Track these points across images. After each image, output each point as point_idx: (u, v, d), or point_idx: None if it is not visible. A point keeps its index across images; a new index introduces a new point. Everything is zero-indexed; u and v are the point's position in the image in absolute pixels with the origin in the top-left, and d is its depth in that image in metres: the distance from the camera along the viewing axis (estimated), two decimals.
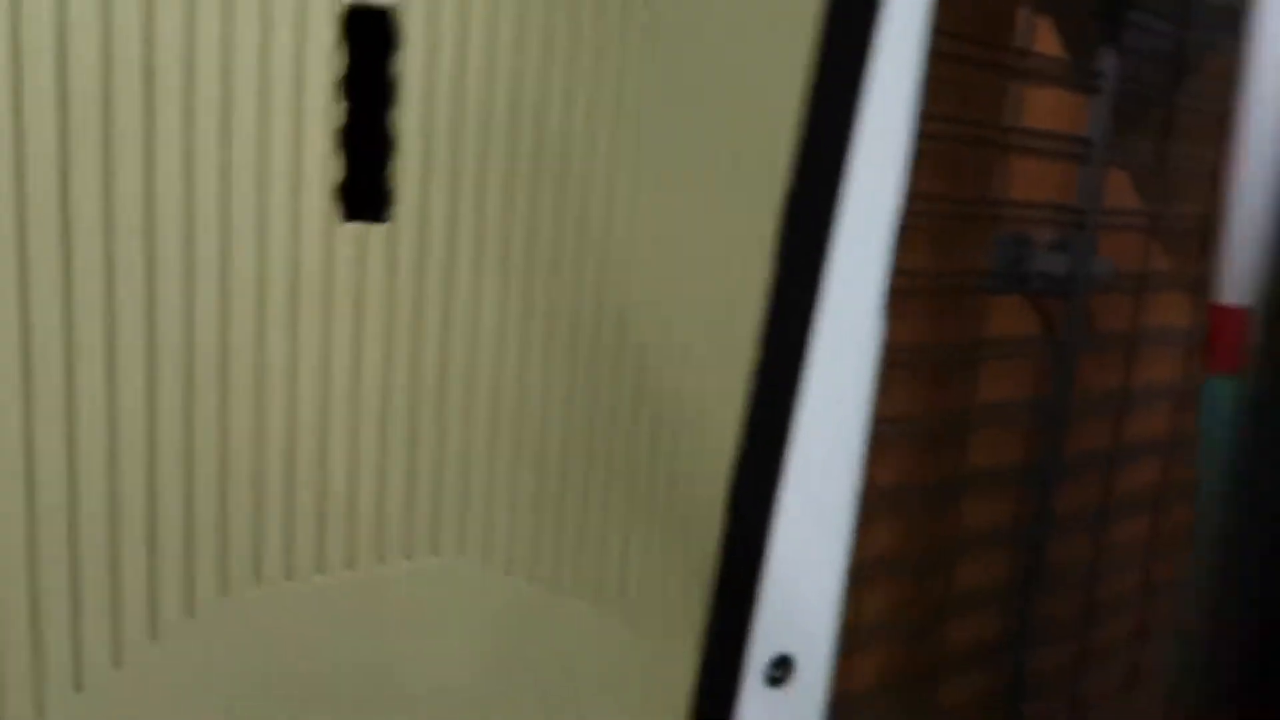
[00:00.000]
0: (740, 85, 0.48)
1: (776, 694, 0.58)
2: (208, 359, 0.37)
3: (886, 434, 0.89)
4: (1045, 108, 0.95)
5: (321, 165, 0.39)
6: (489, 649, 0.47)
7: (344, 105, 0.39)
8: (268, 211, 0.38)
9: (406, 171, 0.41)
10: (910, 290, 0.88)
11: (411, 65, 0.40)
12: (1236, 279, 0.77)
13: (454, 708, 0.46)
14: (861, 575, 0.93)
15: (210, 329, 0.37)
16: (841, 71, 0.52)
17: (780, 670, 0.58)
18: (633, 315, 0.48)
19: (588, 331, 0.46)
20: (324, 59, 0.38)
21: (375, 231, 0.40)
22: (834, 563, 0.58)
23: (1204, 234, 1.12)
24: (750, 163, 0.50)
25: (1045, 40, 0.94)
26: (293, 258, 0.38)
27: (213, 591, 0.38)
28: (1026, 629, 1.08)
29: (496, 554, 0.45)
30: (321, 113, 0.38)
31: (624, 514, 0.49)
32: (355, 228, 0.40)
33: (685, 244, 0.49)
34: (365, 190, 0.40)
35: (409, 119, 0.40)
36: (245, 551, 0.38)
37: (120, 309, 0.35)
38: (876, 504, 0.91)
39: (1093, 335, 1.03)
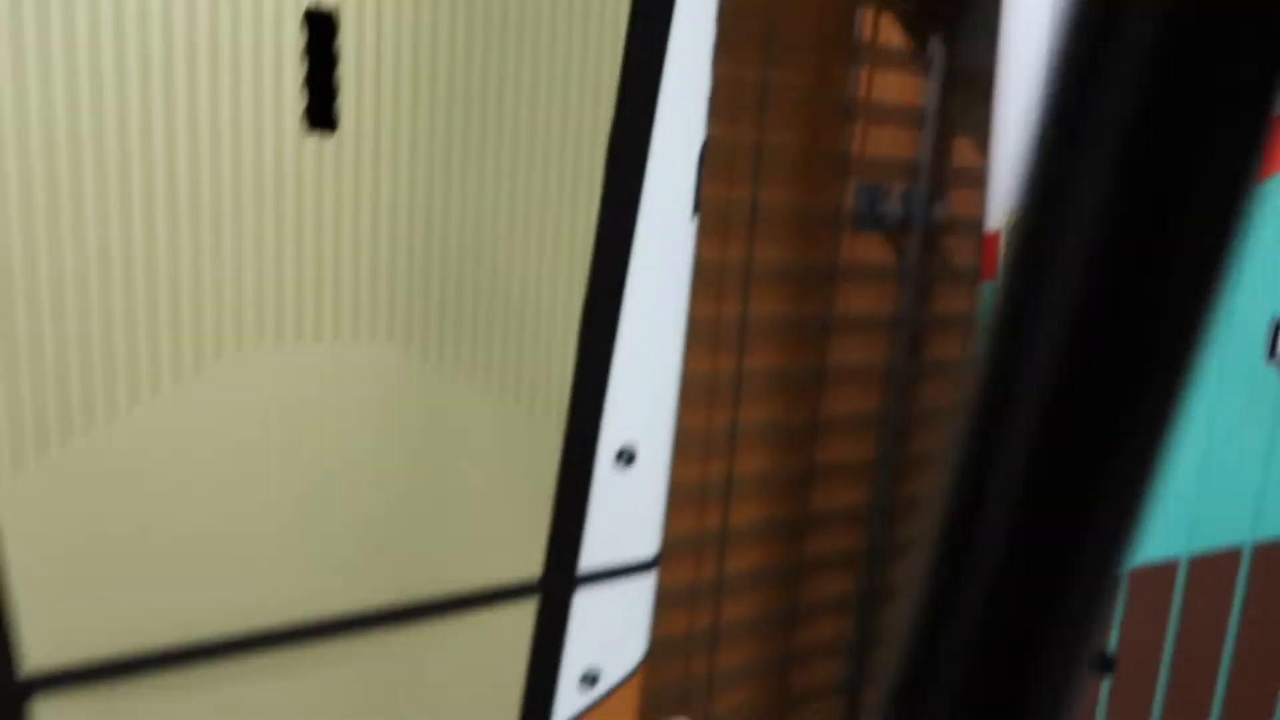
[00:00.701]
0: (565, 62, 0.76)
1: (624, 474, 0.84)
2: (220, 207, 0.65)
3: (764, 330, 1.15)
4: (894, 85, 1.22)
5: (293, 98, 0.67)
6: (394, 421, 0.74)
7: (306, 63, 0.68)
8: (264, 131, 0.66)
9: (346, 104, 0.69)
10: (781, 221, 1.15)
11: (347, 40, 0.69)
12: (995, 211, 1.01)
13: (362, 473, 0.73)
14: (738, 443, 1.19)
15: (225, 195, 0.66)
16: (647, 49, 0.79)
17: (625, 456, 0.84)
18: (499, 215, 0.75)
19: (472, 220, 0.74)
20: (294, 36, 0.67)
21: (329, 141, 0.69)
22: (669, 372, 0.84)
23: None
24: (580, 114, 0.77)
25: (889, 33, 1.21)
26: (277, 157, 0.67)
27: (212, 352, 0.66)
28: (880, 538, 1.31)
29: (412, 341, 0.73)
30: (292, 68, 0.67)
31: (504, 322, 0.76)
32: (315, 138, 0.68)
33: (533, 181, 0.76)
34: (319, 114, 0.68)
35: (347, 74, 0.69)
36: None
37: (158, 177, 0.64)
38: (754, 386, 1.17)
39: (938, 266, 1.28)
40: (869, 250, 1.25)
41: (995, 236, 1.02)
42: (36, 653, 0.60)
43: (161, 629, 0.65)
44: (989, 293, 1.01)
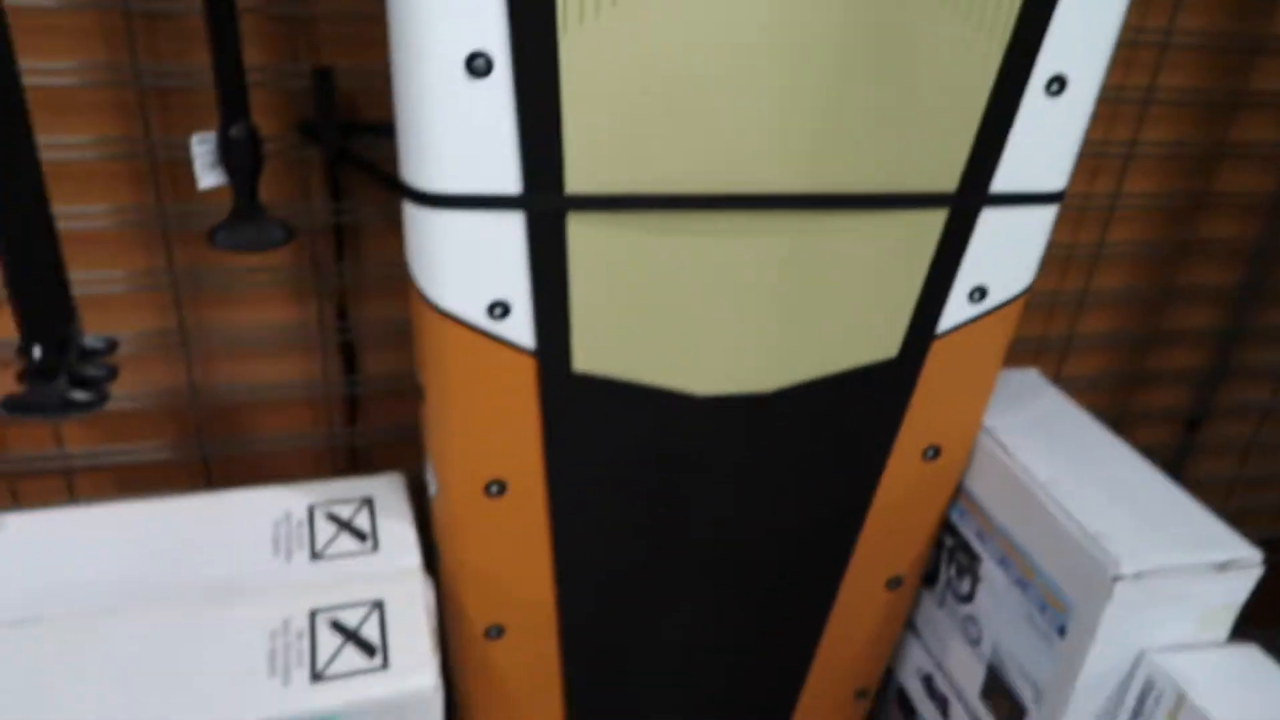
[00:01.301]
0: None
1: (1054, 101, 0.87)
2: None
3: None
4: None
5: None
6: (847, 26, 0.80)
7: None
8: None
9: None
10: None
11: None
12: None
13: (820, 72, 0.80)
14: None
15: None
16: None
17: (1057, 85, 0.87)
18: None
19: None
20: None
21: None
22: (1112, 6, 0.84)
23: None
24: None
25: None
26: None
27: None
28: None
29: None
30: None
31: None
32: None
33: None
34: None
35: None
36: None
37: None
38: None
39: None
40: None
41: None
42: (575, 180, 0.78)
43: (662, 177, 0.80)
44: None
